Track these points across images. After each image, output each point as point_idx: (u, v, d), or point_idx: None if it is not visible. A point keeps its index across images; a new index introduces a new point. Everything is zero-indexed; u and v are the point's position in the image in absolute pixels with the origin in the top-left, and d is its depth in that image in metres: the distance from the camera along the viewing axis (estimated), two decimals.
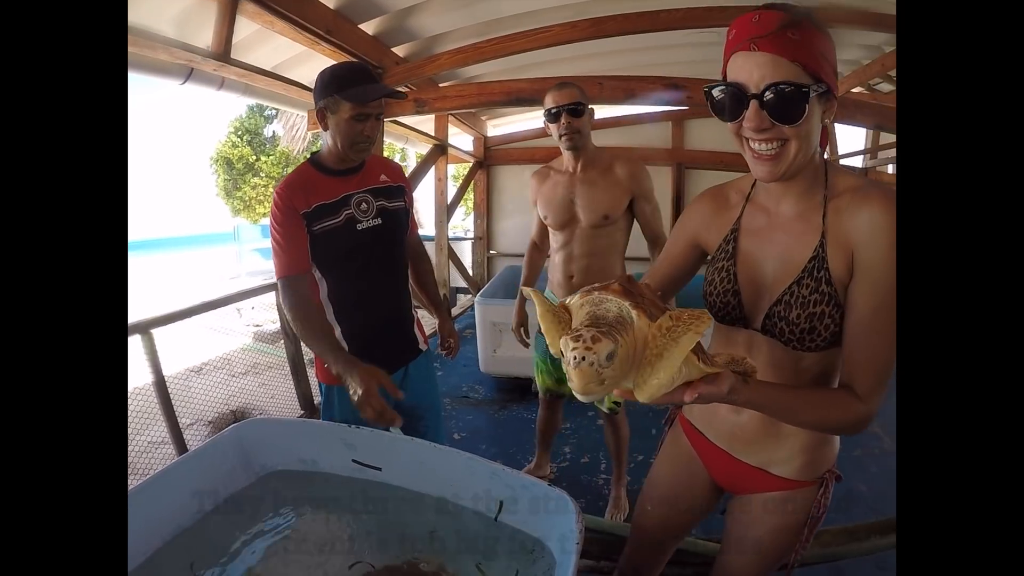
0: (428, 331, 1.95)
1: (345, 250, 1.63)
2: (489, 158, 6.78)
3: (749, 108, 0.84)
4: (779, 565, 1.19)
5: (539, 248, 2.44)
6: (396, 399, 1.48)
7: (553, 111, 2.00)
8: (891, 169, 7.48)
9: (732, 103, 0.86)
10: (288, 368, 3.30)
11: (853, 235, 0.89)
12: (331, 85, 1.54)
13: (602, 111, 7.00)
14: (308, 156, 1.69)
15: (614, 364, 0.67)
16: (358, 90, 1.53)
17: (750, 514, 1.16)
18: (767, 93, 0.82)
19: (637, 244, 2.27)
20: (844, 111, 4.01)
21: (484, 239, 6.88)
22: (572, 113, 1.99)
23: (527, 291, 0.96)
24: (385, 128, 4.19)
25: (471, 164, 6.69)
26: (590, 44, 3.83)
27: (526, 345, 2.50)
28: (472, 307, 4.78)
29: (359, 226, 1.63)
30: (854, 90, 6.13)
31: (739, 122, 0.87)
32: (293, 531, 1.27)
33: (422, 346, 1.87)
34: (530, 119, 6.55)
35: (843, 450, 3.30)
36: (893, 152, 7.00)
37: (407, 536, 1.25)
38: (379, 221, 1.67)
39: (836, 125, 6.95)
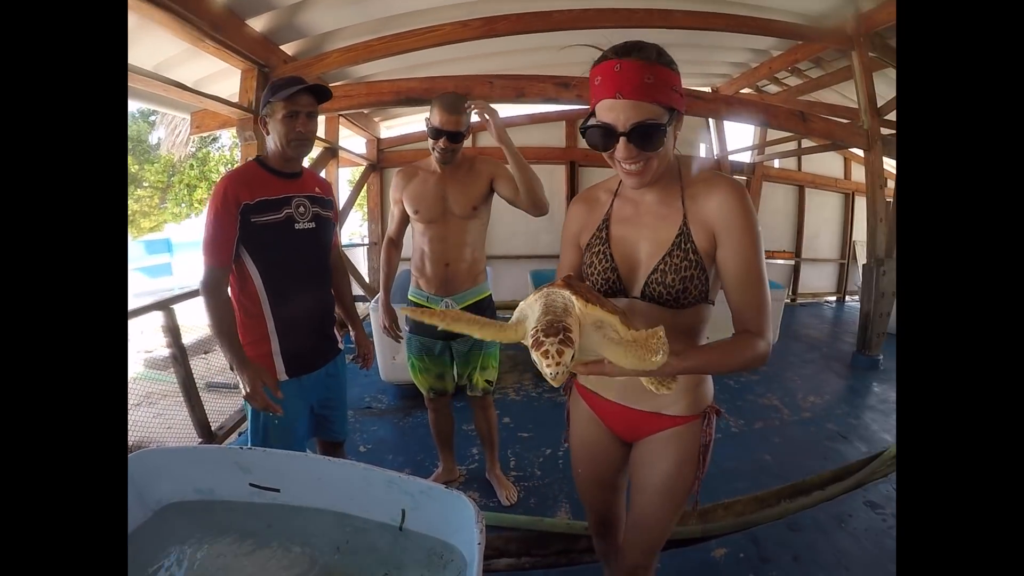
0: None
1: (282, 245, 1.76)
2: (383, 160, 6.66)
3: (619, 143, 1.07)
4: (686, 495, 1.35)
5: (396, 245, 2.52)
6: (276, 397, 1.72)
7: (436, 129, 2.13)
8: (776, 163, 8.08)
9: (604, 139, 1.09)
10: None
11: (711, 216, 1.15)
12: (267, 93, 1.73)
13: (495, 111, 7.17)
14: (254, 158, 1.84)
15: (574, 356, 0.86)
16: (285, 89, 1.68)
17: (653, 452, 1.34)
18: (633, 131, 1.05)
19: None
20: (733, 109, 4.28)
21: (379, 244, 6.65)
22: (452, 139, 2.14)
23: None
24: None
25: (364, 167, 6.56)
26: (482, 44, 3.87)
27: (398, 340, 2.53)
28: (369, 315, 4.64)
29: (296, 226, 1.78)
30: (743, 91, 6.56)
31: (611, 152, 1.10)
32: (196, 565, 1.21)
33: (340, 346, 2.07)
34: (424, 120, 6.47)
35: (745, 423, 3.57)
36: (778, 148, 7.57)
37: (314, 556, 1.23)
38: (313, 225, 1.83)
39: (727, 122, 7.45)
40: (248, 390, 1.69)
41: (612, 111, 1.05)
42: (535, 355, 0.86)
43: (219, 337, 1.72)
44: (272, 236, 1.73)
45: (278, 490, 1.34)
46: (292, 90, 1.68)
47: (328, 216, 1.91)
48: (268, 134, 1.77)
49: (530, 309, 0.99)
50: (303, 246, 1.82)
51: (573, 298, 0.95)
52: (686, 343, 1.19)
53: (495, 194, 2.34)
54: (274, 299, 1.77)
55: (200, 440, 3.11)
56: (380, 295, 2.52)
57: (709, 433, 1.31)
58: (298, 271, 1.82)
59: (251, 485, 1.34)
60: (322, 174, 5.24)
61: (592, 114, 1.11)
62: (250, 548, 1.27)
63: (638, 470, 1.39)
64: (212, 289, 1.69)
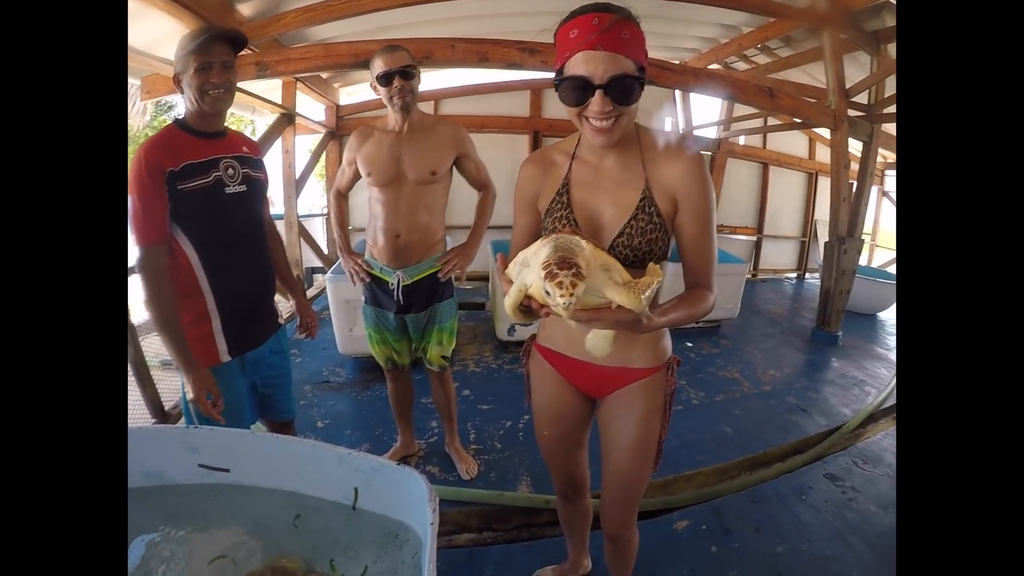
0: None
1: (214, 212, 1.63)
2: (342, 128, 6.42)
3: (595, 96, 1.07)
4: (656, 446, 1.42)
5: (345, 198, 2.47)
6: (219, 406, 1.62)
7: (384, 74, 2.05)
8: (742, 140, 8.15)
9: (578, 92, 1.09)
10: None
11: (673, 182, 1.21)
12: (177, 49, 1.59)
13: (461, 78, 7.08)
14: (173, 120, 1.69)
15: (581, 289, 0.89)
16: (194, 41, 1.56)
17: (623, 405, 1.39)
18: (611, 84, 1.06)
19: None
20: (703, 82, 4.26)
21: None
22: (404, 76, 2.06)
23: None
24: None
25: (323, 135, 6.36)
26: (446, 7, 3.76)
27: (366, 280, 2.36)
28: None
29: (227, 189, 1.65)
30: (711, 66, 6.55)
31: (583, 106, 1.10)
32: (149, 553, 1.16)
33: (281, 320, 1.95)
34: (370, 87, 6.31)
35: (706, 395, 3.66)
36: (744, 124, 7.62)
37: (268, 537, 1.21)
38: (244, 188, 1.70)
39: (693, 98, 7.46)
40: (192, 395, 1.59)
41: (590, 63, 1.05)
42: (549, 286, 0.88)
43: (161, 331, 1.58)
44: (202, 202, 1.59)
45: (228, 470, 1.30)
46: (201, 39, 1.54)
47: (259, 177, 1.79)
48: (183, 92, 1.63)
49: (535, 257, 0.99)
50: (236, 210, 1.69)
51: (583, 242, 0.98)
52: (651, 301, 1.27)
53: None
54: (211, 272, 1.65)
55: (154, 420, 2.98)
56: (338, 241, 2.43)
57: (673, 382, 1.38)
58: (234, 238, 1.69)
59: (200, 466, 1.29)
60: (278, 142, 5.06)
61: (560, 70, 1.11)
62: (204, 532, 1.23)
63: (609, 424, 1.43)
64: (151, 273, 1.54)
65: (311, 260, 6.26)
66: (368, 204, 2.32)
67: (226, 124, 1.75)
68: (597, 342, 1.19)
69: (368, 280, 2.33)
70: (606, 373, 1.37)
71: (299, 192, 5.54)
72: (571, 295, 0.86)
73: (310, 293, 5.63)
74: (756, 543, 2.23)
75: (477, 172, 2.34)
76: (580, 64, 1.06)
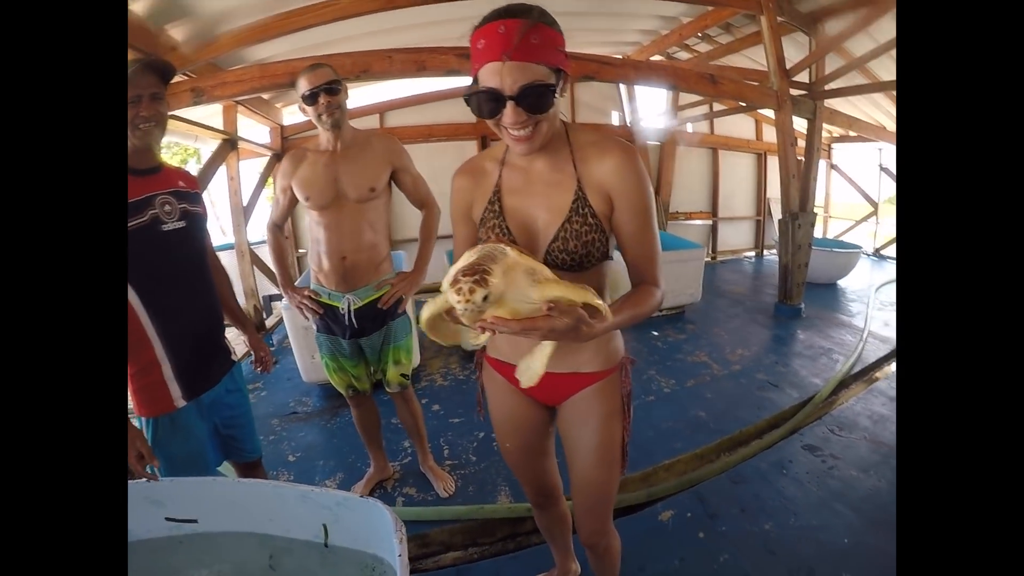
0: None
1: (153, 251, 1.56)
2: (288, 148, 6.28)
3: (507, 107, 1.03)
4: (620, 448, 1.38)
5: (282, 230, 2.38)
6: (150, 463, 1.48)
7: (309, 94, 2.01)
8: (690, 128, 8.27)
9: (491, 104, 1.05)
10: None
11: (605, 179, 1.16)
12: None
13: (404, 89, 7.02)
14: None
15: (492, 292, 0.88)
16: None
17: (580, 411, 1.36)
18: (521, 94, 1.02)
19: None
20: (644, 75, 4.30)
21: (291, 237, 6.41)
22: (329, 92, 2.02)
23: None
24: (172, 126, 3.74)
25: (269, 157, 6.23)
26: (382, 19, 3.72)
27: (318, 313, 2.26)
28: None
29: (164, 227, 1.58)
30: (654, 58, 6.63)
31: (498, 118, 1.07)
32: None
33: (234, 357, 1.87)
34: (298, 107, 6.21)
35: (677, 382, 3.68)
36: (691, 112, 7.73)
37: None
38: (183, 224, 1.63)
39: (638, 87, 7.52)
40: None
41: (498, 75, 1.01)
42: (449, 293, 0.89)
43: None
44: (140, 243, 1.51)
45: (196, 520, 1.27)
46: (128, 71, 1.46)
47: (197, 211, 1.71)
48: None
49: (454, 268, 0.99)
50: (176, 248, 1.61)
51: (508, 248, 0.97)
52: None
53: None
54: (156, 315, 1.56)
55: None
56: (279, 279, 2.35)
57: (628, 383, 1.36)
58: (176, 277, 1.62)
59: (168, 519, 1.27)
60: (222, 169, 4.92)
61: (475, 81, 1.08)
62: None
63: (569, 432, 1.40)
64: None
65: (268, 288, 6.11)
66: (309, 229, 2.26)
67: (162, 158, 1.67)
68: (525, 369, 1.15)
69: (321, 313, 2.26)
70: (558, 380, 1.33)
71: (248, 218, 5.39)
72: (468, 300, 0.86)
73: (270, 322, 5.49)
74: (743, 523, 2.24)
75: (415, 187, 2.30)
76: (489, 76, 1.03)
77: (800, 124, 5.18)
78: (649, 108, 8.04)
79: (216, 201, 7.06)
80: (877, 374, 3.86)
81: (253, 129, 6.10)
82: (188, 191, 1.70)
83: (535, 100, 1.03)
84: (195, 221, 1.69)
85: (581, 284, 0.97)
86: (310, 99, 2.01)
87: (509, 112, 1.04)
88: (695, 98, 7.27)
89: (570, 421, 1.39)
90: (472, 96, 1.07)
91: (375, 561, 1.15)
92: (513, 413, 1.47)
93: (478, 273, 0.88)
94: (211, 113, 4.93)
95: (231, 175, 5.12)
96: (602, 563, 1.62)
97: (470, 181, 1.31)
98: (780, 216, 5.16)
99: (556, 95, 1.06)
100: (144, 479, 1.32)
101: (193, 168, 4.79)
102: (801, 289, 5.25)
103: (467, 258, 0.95)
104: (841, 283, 6.65)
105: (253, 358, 2.02)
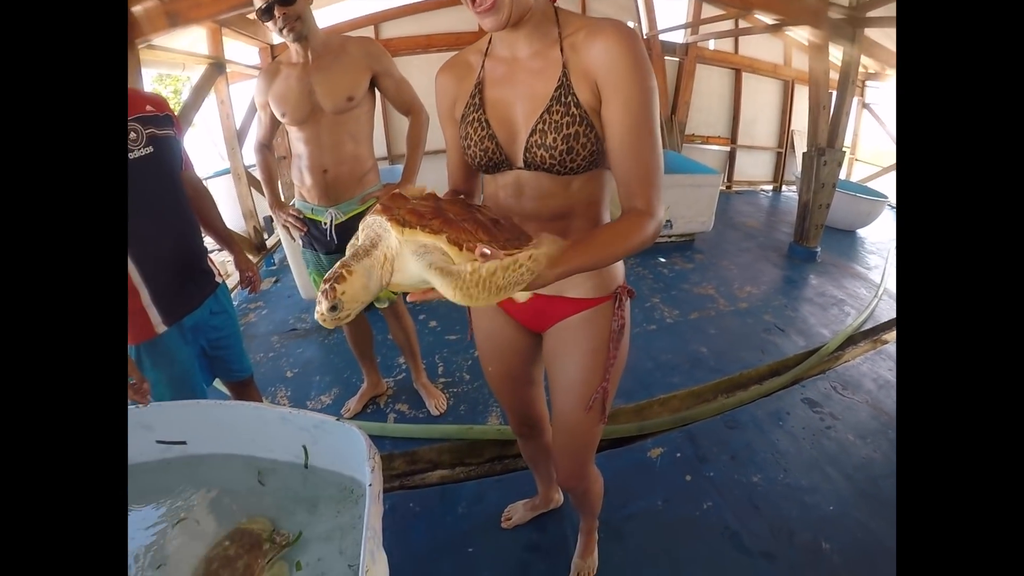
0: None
1: None
2: None
3: None
4: (600, 384, 1.26)
5: (269, 149, 2.36)
6: (142, 387, 1.50)
7: (264, 8, 1.91)
8: (712, 45, 7.92)
9: None
10: None
11: (593, 64, 0.99)
12: None
13: None
14: None
15: (345, 302, 0.83)
16: None
17: (564, 342, 1.27)
18: None
19: None
20: None
21: (288, 156, 6.29)
22: (283, 3, 1.91)
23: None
24: (154, 56, 3.64)
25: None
26: None
27: (303, 230, 2.29)
28: None
29: (131, 155, 1.56)
30: None
31: None
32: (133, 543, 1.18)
33: (218, 279, 1.89)
34: (320, 15, 5.98)
35: (681, 313, 3.63)
36: (715, 27, 7.36)
37: (231, 500, 1.24)
38: (151, 150, 1.61)
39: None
40: None
41: None
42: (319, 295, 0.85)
43: None
44: None
45: (185, 442, 1.33)
46: None
47: (167, 134, 1.68)
48: None
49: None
50: (145, 176, 1.59)
51: (388, 224, 0.87)
52: (586, 217, 1.15)
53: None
54: (130, 244, 1.56)
55: None
56: (268, 198, 2.35)
57: (621, 316, 1.23)
58: (147, 204, 1.59)
59: (158, 442, 1.32)
60: (211, 94, 4.82)
61: None
62: (169, 504, 1.25)
63: (551, 364, 1.33)
64: None
65: (267, 209, 6.10)
66: (290, 143, 2.23)
67: (130, 84, 1.64)
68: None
69: (305, 230, 2.27)
70: (542, 303, 1.24)
71: (242, 142, 5.33)
72: (321, 314, 0.83)
73: (271, 242, 5.54)
74: (731, 471, 2.28)
75: (399, 91, 2.21)
76: None
77: (835, 56, 4.89)
78: (668, 20, 7.66)
79: (211, 127, 6.94)
80: (887, 336, 3.74)
81: (242, 51, 5.95)
82: (156, 115, 1.67)
83: None
84: (164, 145, 1.67)
85: (512, 269, 0.83)
86: (265, 14, 1.91)
87: None
88: (718, 11, 6.85)
89: (553, 351, 1.30)
90: None
91: (352, 483, 1.20)
92: (496, 335, 1.41)
93: (331, 279, 0.83)
94: (198, 39, 4.80)
95: (221, 99, 5.04)
96: (581, 503, 1.64)
97: (452, 78, 1.20)
98: (804, 150, 4.96)
99: None
100: (137, 404, 1.36)
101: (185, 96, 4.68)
102: (819, 232, 5.10)
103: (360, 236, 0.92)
104: (861, 232, 6.39)
105: (240, 278, 2.04)
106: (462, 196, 1.17)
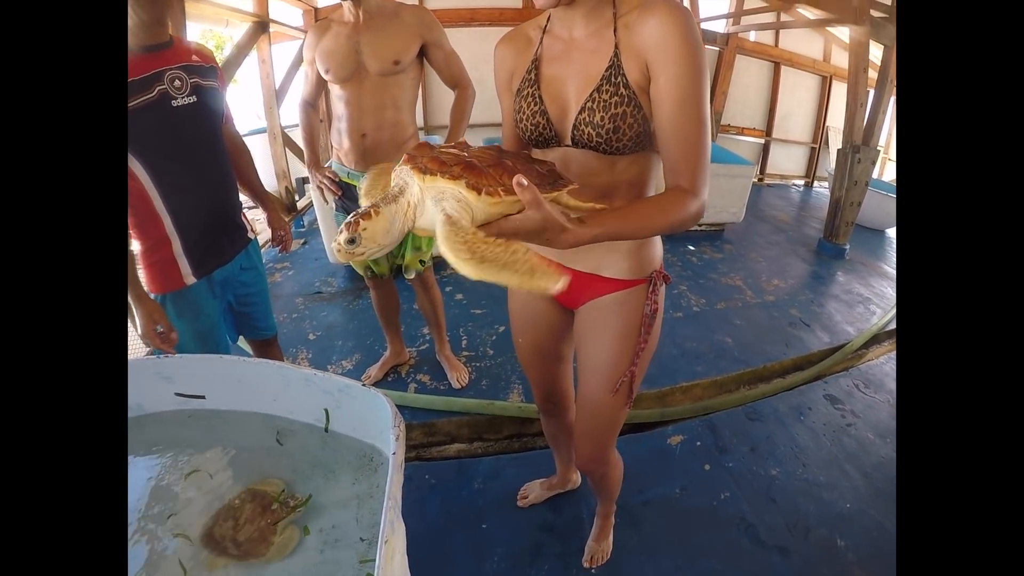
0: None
1: (161, 128, 1.53)
2: None
3: None
4: (629, 368, 1.24)
5: (314, 107, 2.31)
6: (170, 336, 1.56)
7: None
8: (752, 36, 7.75)
9: None
10: None
11: (643, 43, 0.98)
12: None
13: None
14: None
15: (365, 239, 0.82)
16: None
17: (596, 321, 1.25)
18: None
19: None
20: None
21: (326, 120, 6.05)
22: None
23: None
24: (199, 11, 3.62)
25: (302, 40, 6.01)
26: None
27: (337, 194, 2.27)
28: None
29: (174, 103, 1.54)
30: None
31: None
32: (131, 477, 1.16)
33: (250, 235, 1.87)
34: None
35: (708, 303, 3.53)
36: (757, 18, 7.21)
37: (247, 458, 1.21)
38: (194, 99, 1.59)
39: None
40: (141, 331, 1.53)
41: None
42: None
43: None
44: (148, 120, 1.48)
45: (203, 396, 1.29)
46: None
47: (211, 85, 1.66)
48: None
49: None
50: (187, 124, 1.58)
51: (413, 172, 0.88)
52: (629, 198, 1.14)
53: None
54: (166, 192, 1.56)
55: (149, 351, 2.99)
56: (307, 156, 2.31)
57: (655, 301, 1.21)
58: (187, 153, 1.59)
59: (177, 394, 1.29)
60: (252, 53, 4.78)
61: None
62: (184, 456, 1.22)
63: (581, 343, 1.31)
64: None
65: (301, 170, 6.09)
66: (331, 104, 2.18)
67: (173, 32, 1.60)
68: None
69: (339, 194, 2.22)
70: (578, 279, 1.21)
71: (280, 102, 5.30)
72: (338, 246, 0.82)
73: (301, 204, 5.53)
74: (750, 463, 2.24)
75: (447, 63, 2.16)
76: None
77: (875, 55, 4.76)
78: (711, 9, 7.52)
79: (251, 88, 6.92)
80: None
81: (286, 12, 5.89)
82: (201, 65, 1.64)
83: None
84: (208, 96, 1.64)
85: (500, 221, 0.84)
86: None
87: None
88: (761, 3, 6.73)
89: (584, 330, 1.28)
90: None
91: (372, 451, 1.15)
92: (529, 307, 1.41)
93: (357, 215, 0.83)
94: None
95: (262, 59, 5.00)
96: (599, 487, 1.61)
97: (512, 50, 1.21)
98: (839, 146, 4.83)
99: None
100: (163, 353, 1.34)
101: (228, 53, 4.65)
102: (849, 229, 4.99)
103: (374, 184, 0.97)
104: (890, 232, 6.22)
105: (271, 237, 2.02)
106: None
